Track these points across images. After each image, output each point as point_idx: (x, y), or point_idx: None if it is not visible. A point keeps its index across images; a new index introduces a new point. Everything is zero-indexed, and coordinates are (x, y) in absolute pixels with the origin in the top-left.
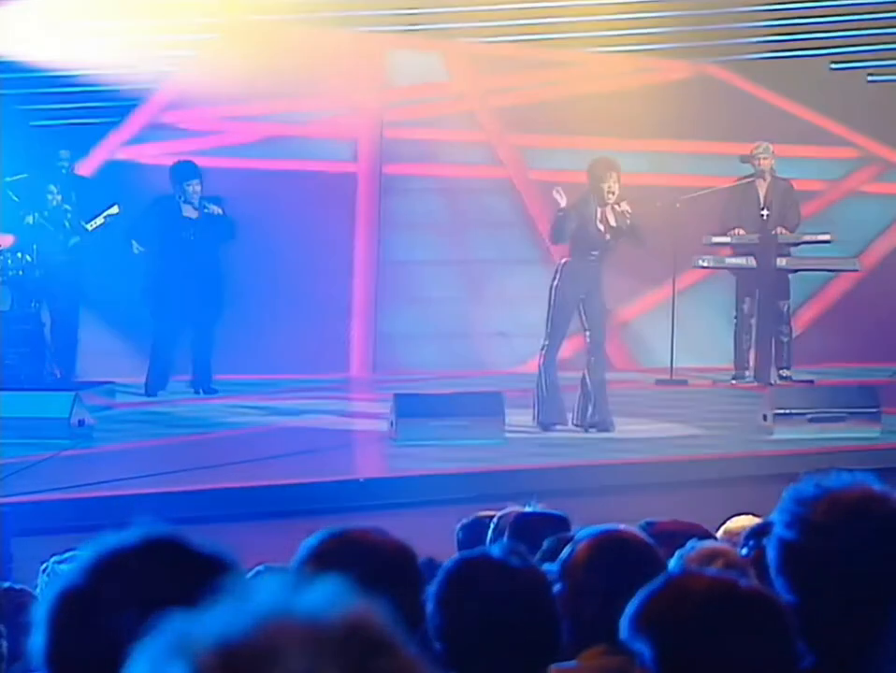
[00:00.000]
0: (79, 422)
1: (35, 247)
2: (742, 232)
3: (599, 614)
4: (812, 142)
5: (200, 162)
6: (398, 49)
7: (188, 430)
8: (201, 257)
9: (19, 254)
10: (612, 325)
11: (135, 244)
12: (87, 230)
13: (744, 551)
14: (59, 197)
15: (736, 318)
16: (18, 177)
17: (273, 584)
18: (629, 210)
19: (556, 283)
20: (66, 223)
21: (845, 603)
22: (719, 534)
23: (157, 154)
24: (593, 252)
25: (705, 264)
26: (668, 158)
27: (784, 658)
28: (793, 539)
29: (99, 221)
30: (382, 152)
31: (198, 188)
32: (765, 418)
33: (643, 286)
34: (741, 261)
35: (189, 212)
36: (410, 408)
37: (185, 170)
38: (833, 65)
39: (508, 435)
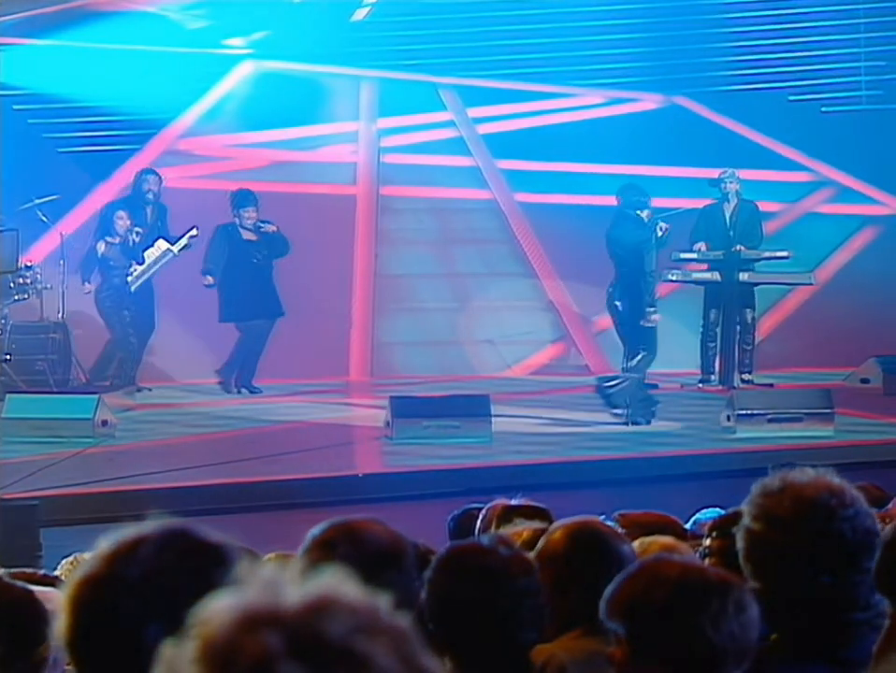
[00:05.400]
0: (103, 422)
1: (98, 268)
2: (702, 247)
3: (577, 600)
4: (771, 167)
5: (213, 186)
6: (395, 81)
7: (201, 430)
8: (263, 273)
9: (39, 270)
10: (591, 333)
11: (206, 279)
12: (172, 251)
13: (708, 541)
14: (128, 222)
15: (703, 327)
16: (48, 198)
17: (259, 574)
18: (667, 228)
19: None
20: (132, 242)
21: (803, 589)
22: (688, 526)
23: (173, 178)
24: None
25: (674, 278)
26: (641, 182)
27: (745, 638)
28: (758, 530)
29: (183, 242)
30: (378, 176)
31: (254, 214)
32: (729, 418)
33: None
34: (707, 275)
35: (248, 235)
36: (404, 409)
37: (242, 198)
38: (791, 98)
39: (495, 433)
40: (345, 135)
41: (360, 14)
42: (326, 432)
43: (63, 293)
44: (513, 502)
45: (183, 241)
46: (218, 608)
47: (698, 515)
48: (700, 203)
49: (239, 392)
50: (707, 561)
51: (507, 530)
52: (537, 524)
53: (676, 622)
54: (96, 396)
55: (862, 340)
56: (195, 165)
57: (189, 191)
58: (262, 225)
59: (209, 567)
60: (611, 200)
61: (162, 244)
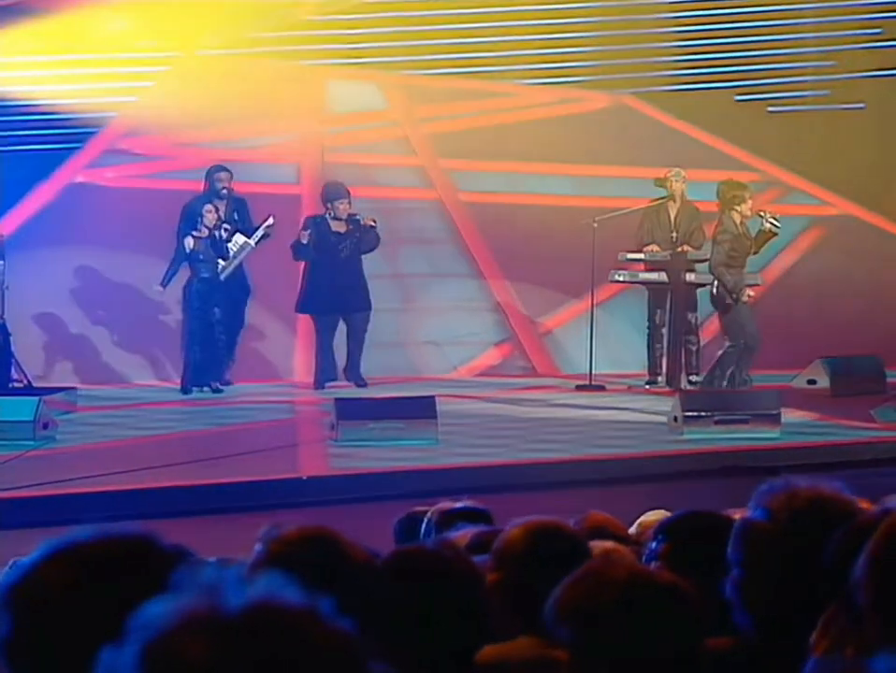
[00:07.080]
0: (44, 424)
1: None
2: (655, 249)
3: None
4: (718, 167)
5: (154, 185)
6: (338, 79)
7: (144, 432)
8: (350, 265)
9: None
10: (537, 334)
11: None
12: (250, 244)
13: (654, 544)
14: (216, 216)
15: (649, 328)
16: None
17: (202, 578)
18: (777, 220)
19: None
20: (219, 237)
21: (781, 580)
22: (632, 529)
23: (114, 177)
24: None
25: (621, 279)
26: (587, 181)
27: (690, 641)
28: (753, 519)
29: (260, 233)
30: (323, 175)
31: (346, 206)
32: (676, 420)
33: (564, 298)
34: (653, 276)
35: (337, 227)
36: (349, 411)
37: (334, 191)
38: (738, 97)
39: (440, 435)
40: (289, 133)
41: (306, 11)
42: (270, 434)
43: (2, 294)
44: (457, 505)
45: (260, 232)
46: (158, 613)
47: (643, 518)
48: (644, 202)
49: (355, 384)
50: (653, 564)
51: (451, 533)
52: (481, 528)
53: (623, 626)
54: (37, 399)
55: (809, 342)
56: (137, 164)
57: (130, 190)
58: (357, 216)
59: (149, 571)
60: (559, 200)
61: (239, 238)
